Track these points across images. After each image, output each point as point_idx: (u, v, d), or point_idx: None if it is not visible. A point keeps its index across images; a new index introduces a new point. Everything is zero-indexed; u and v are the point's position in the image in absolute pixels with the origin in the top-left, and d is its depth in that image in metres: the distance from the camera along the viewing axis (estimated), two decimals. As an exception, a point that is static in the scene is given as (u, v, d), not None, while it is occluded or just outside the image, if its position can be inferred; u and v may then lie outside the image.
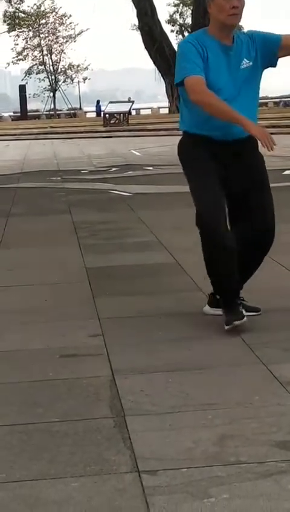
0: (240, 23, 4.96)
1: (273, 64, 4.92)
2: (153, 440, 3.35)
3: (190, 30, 51.40)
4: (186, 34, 59.25)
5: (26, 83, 65.85)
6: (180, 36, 66.18)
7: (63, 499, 2.90)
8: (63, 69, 72.33)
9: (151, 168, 16.14)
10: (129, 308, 5.51)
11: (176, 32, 66.36)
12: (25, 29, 68.97)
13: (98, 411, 3.71)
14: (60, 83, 72.03)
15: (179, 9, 67.33)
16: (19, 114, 64.35)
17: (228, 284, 4.89)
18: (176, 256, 7.12)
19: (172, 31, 65.26)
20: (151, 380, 4.10)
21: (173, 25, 66.45)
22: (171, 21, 67.03)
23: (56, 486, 3.00)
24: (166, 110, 52.43)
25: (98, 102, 64.03)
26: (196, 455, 3.19)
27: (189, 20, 61.34)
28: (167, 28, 51.45)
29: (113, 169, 16.89)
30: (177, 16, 67.52)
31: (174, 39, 59.72)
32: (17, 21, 66.47)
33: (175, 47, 45.32)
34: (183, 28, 66.95)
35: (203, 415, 3.59)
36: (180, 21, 67.95)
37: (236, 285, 4.94)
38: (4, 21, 65.39)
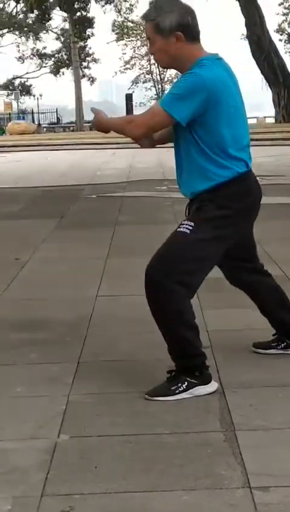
0: None
1: None
2: (265, 456, 3.34)
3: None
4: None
5: (133, 91, 66.36)
6: (289, 45, 65.57)
7: (174, 512, 2.91)
8: (169, 78, 72.61)
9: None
10: (237, 321, 5.49)
11: (284, 42, 65.69)
12: (133, 39, 69.63)
13: (208, 424, 3.72)
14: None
15: (288, 19, 66.66)
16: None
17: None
18: (283, 268, 7.04)
19: (280, 40, 64.51)
20: (260, 395, 4.08)
21: (281, 34, 65.77)
22: (280, 30, 66.44)
23: (167, 498, 3.01)
24: (272, 120, 51.99)
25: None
26: (308, 474, 3.16)
27: (298, 30, 60.94)
28: (275, 37, 50.87)
29: (219, 179, 16.83)
30: (285, 25, 66.89)
31: (283, 48, 59.28)
32: (125, 30, 67.16)
33: (283, 57, 45.00)
34: (291, 37, 66.38)
35: (314, 433, 3.56)
36: (289, 30, 67.28)
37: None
38: (113, 30, 66.17)
